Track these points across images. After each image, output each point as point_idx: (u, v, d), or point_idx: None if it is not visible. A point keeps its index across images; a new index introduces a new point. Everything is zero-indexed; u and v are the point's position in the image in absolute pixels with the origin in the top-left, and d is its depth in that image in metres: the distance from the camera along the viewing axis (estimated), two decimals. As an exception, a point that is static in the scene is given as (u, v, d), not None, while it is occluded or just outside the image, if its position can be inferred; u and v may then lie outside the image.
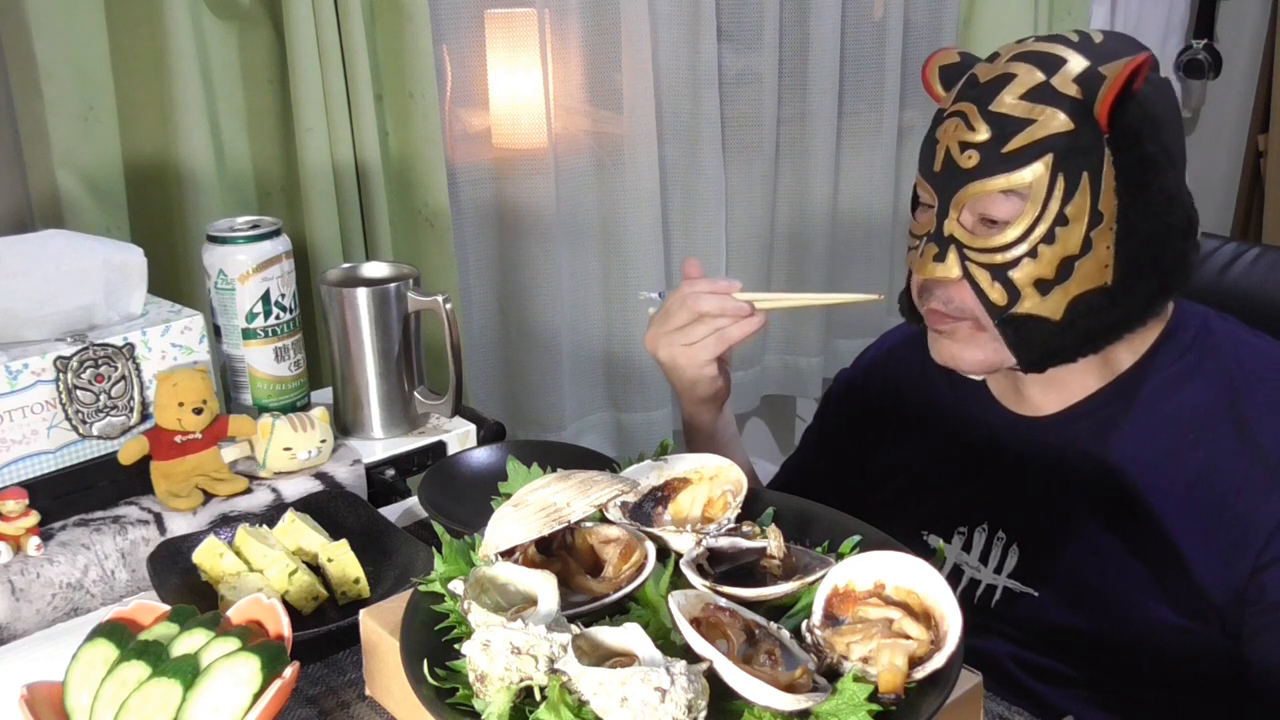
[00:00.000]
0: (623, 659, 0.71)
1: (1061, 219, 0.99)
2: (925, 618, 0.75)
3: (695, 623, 0.74)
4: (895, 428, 1.26)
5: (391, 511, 1.21)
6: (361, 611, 0.89)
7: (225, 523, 1.09)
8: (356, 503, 1.14)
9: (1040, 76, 0.99)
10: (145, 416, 1.12)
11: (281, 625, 0.84)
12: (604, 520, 0.88)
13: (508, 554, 0.83)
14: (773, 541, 0.84)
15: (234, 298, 1.22)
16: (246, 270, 1.21)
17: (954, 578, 1.15)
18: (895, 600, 0.77)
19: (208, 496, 1.11)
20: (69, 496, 1.08)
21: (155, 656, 0.81)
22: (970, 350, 1.06)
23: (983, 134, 1.00)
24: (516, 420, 2.06)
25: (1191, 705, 1.07)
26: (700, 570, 0.81)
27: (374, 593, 1.02)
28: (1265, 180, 2.87)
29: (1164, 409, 1.06)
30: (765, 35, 2.12)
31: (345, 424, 1.31)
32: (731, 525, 0.87)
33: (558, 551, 0.85)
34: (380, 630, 0.86)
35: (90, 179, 1.46)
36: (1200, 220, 1.05)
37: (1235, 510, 1.01)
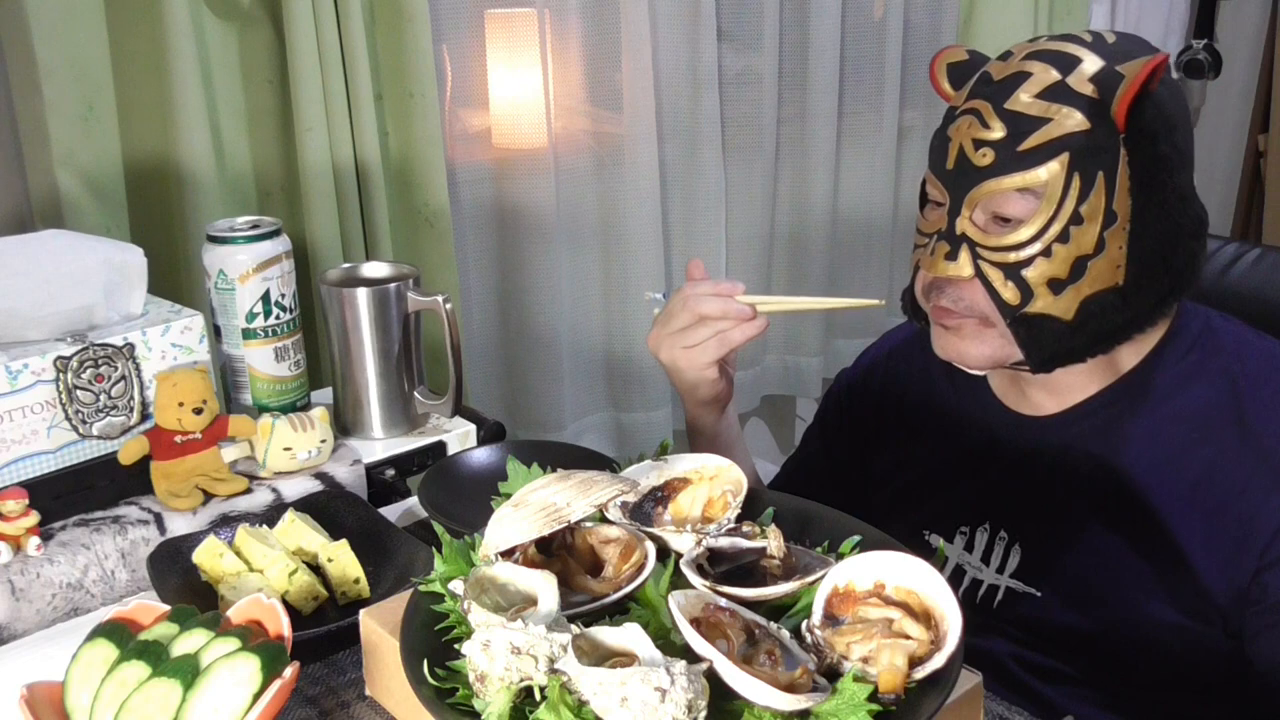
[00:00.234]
0: (623, 659, 0.71)
1: (1076, 218, 0.99)
2: (925, 618, 0.75)
3: (695, 623, 0.74)
4: (896, 428, 1.26)
5: (391, 511, 1.21)
6: (361, 611, 0.89)
7: (225, 523, 1.09)
8: (356, 503, 1.14)
9: (1056, 75, 0.99)
10: (145, 416, 1.12)
11: (281, 625, 0.84)
12: (604, 520, 0.88)
13: (508, 554, 0.83)
14: (773, 541, 0.84)
15: (234, 298, 1.22)
16: (246, 270, 1.21)
17: (956, 578, 1.15)
18: (895, 600, 0.76)
19: (208, 496, 1.11)
20: (69, 496, 1.08)
21: (155, 656, 0.81)
22: (976, 346, 1.06)
23: (998, 132, 1.00)
24: (516, 420, 2.05)
25: (1192, 705, 1.07)
26: (700, 570, 0.81)
27: (374, 593, 1.02)
28: (1265, 180, 2.87)
29: (1167, 409, 1.06)
30: (765, 35, 2.12)
31: (345, 424, 1.31)
32: (731, 525, 0.87)
33: (558, 551, 0.85)
34: (380, 630, 0.86)
35: (90, 179, 1.46)
36: (1205, 221, 1.06)
37: (1238, 510, 1.01)
